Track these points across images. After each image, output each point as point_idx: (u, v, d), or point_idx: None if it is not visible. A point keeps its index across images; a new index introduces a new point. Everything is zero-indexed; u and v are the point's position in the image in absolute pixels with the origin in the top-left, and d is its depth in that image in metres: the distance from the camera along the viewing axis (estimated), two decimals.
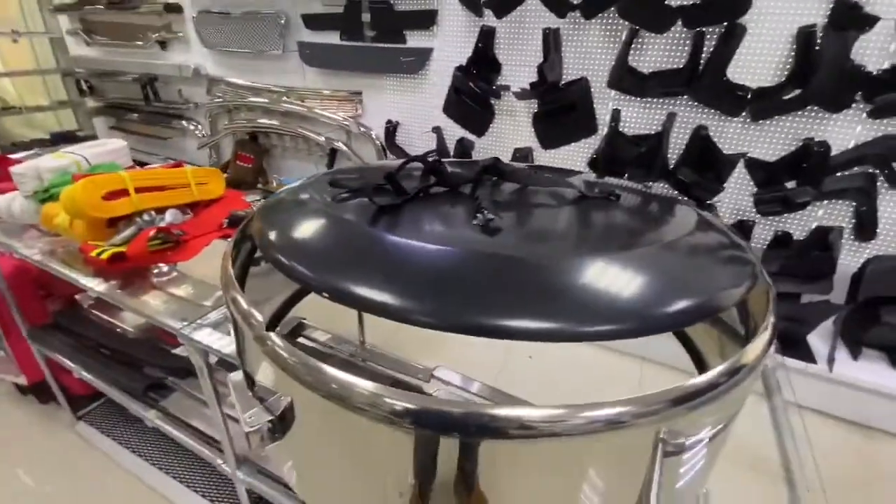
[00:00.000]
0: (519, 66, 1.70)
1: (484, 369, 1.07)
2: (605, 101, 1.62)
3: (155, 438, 1.31)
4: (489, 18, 1.65)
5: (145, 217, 0.92)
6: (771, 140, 1.44)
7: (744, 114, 1.43)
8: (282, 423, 0.38)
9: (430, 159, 0.52)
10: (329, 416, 0.37)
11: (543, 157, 1.79)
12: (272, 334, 0.37)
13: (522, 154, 1.78)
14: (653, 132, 1.57)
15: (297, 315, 1.01)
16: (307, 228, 0.46)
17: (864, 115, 1.29)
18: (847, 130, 1.34)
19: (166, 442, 1.28)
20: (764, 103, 1.38)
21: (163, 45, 2.53)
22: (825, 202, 1.43)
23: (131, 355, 1.17)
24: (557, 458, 0.34)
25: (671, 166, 1.57)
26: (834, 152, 1.35)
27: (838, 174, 1.37)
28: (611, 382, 1.50)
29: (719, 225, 0.49)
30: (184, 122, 2.65)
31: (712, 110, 1.47)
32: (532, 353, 1.62)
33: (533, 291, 0.35)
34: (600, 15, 1.48)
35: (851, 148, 1.35)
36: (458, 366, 1.08)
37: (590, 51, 1.57)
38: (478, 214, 0.43)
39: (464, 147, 1.89)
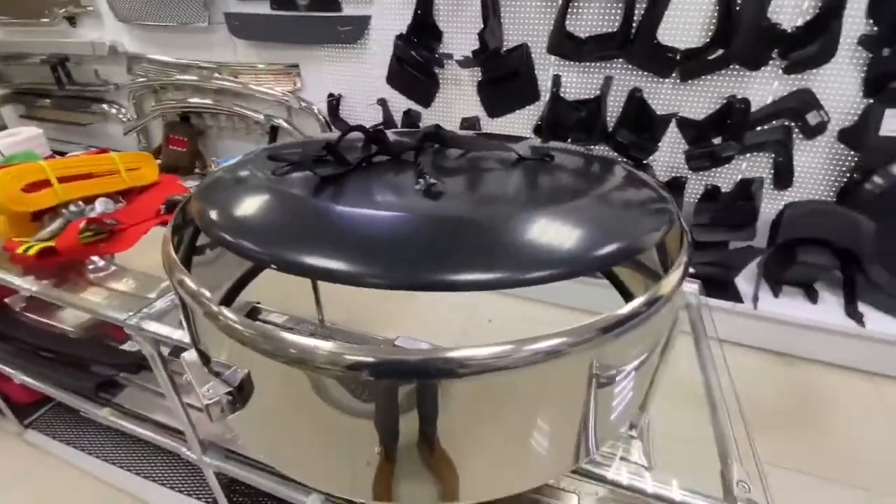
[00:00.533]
0: (460, 34, 1.69)
1: (444, 337, 1.11)
2: (546, 67, 1.64)
3: (112, 437, 1.27)
4: None
5: (72, 208, 0.87)
6: (699, 99, 1.52)
7: (674, 75, 1.50)
8: (241, 394, 0.39)
9: (371, 128, 0.52)
10: (290, 382, 0.38)
11: (490, 126, 1.81)
12: (224, 309, 0.38)
13: (470, 123, 1.79)
14: (592, 97, 1.62)
15: (250, 301, 1.00)
16: (250, 204, 0.46)
17: (780, 71, 1.40)
18: (765, 87, 1.44)
19: (125, 439, 1.25)
20: (691, 64, 1.46)
21: (71, 20, 2.29)
22: (748, 155, 1.55)
23: (76, 355, 1.12)
24: (508, 395, 0.37)
25: (610, 129, 1.64)
26: (754, 108, 1.45)
27: (758, 129, 1.49)
28: None
29: (644, 178, 0.53)
30: (104, 106, 2.44)
31: (645, 73, 1.53)
32: (491, 318, 1.68)
33: (476, 246, 0.37)
34: None
35: (769, 103, 1.46)
36: (418, 336, 1.12)
37: (528, 16, 1.58)
38: (419, 180, 0.44)
39: (410, 118, 1.87)
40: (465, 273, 0.36)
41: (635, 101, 1.56)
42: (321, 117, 2.02)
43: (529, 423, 0.40)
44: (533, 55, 1.63)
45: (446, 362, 0.33)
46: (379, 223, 0.39)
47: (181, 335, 0.62)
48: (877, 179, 1.40)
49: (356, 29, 1.79)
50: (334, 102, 1.97)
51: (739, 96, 1.46)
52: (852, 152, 1.43)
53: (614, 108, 1.61)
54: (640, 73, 1.54)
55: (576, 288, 0.65)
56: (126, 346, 1.14)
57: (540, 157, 0.54)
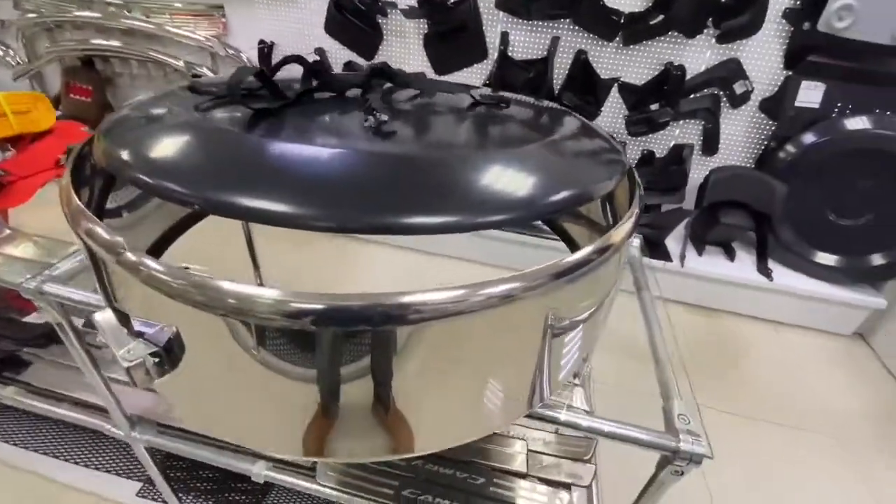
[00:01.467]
0: None
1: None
2: (494, 24, 1.60)
3: (26, 420, 1.14)
4: None
5: None
6: (639, 65, 1.56)
7: (617, 39, 1.51)
8: (169, 355, 0.35)
9: (312, 60, 0.47)
10: (227, 338, 0.35)
11: None
12: (145, 256, 0.33)
13: None
14: (539, 57, 1.61)
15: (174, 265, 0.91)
16: (173, 142, 0.40)
17: (713, 40, 1.46)
18: (699, 55, 1.50)
19: (42, 421, 1.12)
20: (634, 28, 1.48)
21: None
22: (681, 122, 1.62)
23: None
24: (463, 343, 0.36)
25: (556, 91, 1.64)
26: (688, 76, 1.51)
27: (691, 96, 1.56)
28: None
29: (598, 129, 0.53)
30: None
31: (591, 35, 1.53)
32: (441, 280, 1.68)
33: (429, 188, 0.35)
34: None
35: (702, 72, 1.52)
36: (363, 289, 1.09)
37: None
38: (369, 117, 0.41)
39: (352, 70, 1.75)
40: (416, 216, 0.33)
41: (581, 63, 1.56)
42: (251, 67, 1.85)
43: (485, 371, 0.39)
44: (481, 9, 1.57)
45: (400, 308, 0.31)
46: (324, 161, 0.35)
47: (93, 298, 0.54)
48: (789, 147, 1.52)
49: None
50: (266, 51, 1.81)
51: (676, 63, 1.51)
52: (771, 121, 1.55)
53: (561, 70, 1.61)
54: (585, 35, 1.54)
55: (530, 251, 0.65)
56: (30, 318, 1.01)
57: (495, 103, 0.52)
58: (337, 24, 1.70)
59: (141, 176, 0.37)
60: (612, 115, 1.65)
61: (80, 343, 0.60)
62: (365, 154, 0.36)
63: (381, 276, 1.65)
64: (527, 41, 1.61)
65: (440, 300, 0.31)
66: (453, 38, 1.64)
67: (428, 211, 0.33)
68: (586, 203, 0.42)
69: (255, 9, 1.75)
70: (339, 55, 1.76)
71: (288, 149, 0.36)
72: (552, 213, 0.39)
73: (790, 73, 1.46)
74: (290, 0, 1.70)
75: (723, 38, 1.44)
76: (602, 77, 1.58)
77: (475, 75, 1.71)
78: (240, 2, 1.75)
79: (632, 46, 1.52)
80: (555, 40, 1.56)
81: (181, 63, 1.81)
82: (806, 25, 1.37)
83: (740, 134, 1.61)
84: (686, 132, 1.64)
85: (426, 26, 1.64)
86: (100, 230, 0.37)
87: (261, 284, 1.08)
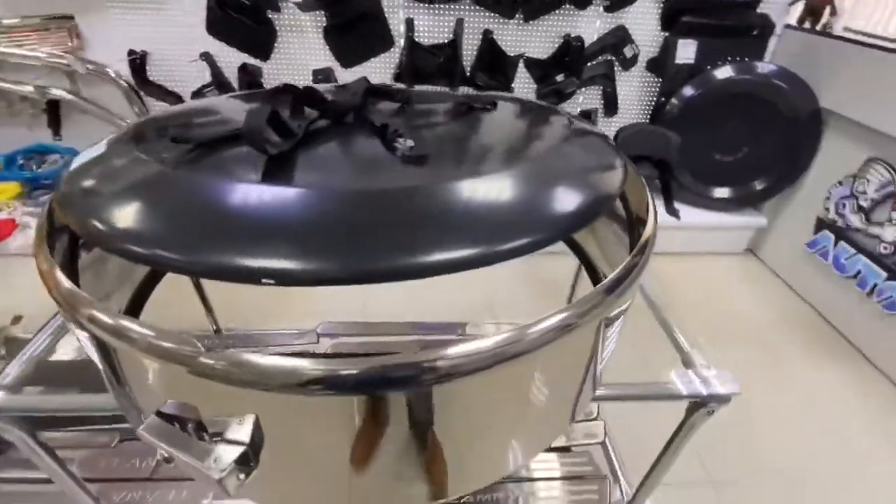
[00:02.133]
0: None
1: (349, 312, 1.04)
2: (396, 10, 1.56)
3: None
4: None
5: None
6: (541, 39, 1.63)
7: (518, 15, 1.56)
8: (253, 447, 0.31)
9: (303, 87, 0.43)
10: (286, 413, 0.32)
11: (345, 77, 1.67)
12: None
13: (324, 75, 1.62)
14: (447, 41, 1.61)
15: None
16: (168, 202, 0.34)
17: (602, 10, 1.57)
18: (591, 25, 1.61)
19: None
20: (531, 4, 1.54)
21: None
22: (584, 89, 1.74)
23: None
24: (514, 380, 0.36)
25: (468, 73, 1.66)
26: (585, 45, 1.62)
27: (589, 64, 1.67)
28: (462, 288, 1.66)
29: (588, 126, 0.55)
30: None
31: (493, 14, 1.56)
32: (436, 298, 1.65)
33: (471, 216, 0.34)
34: None
35: (595, 40, 1.64)
36: (324, 318, 1.03)
37: None
38: (397, 141, 0.38)
39: (250, 75, 1.60)
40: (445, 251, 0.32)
41: (488, 43, 1.59)
42: (123, 82, 1.59)
43: (535, 401, 0.40)
44: None
45: (451, 363, 0.30)
46: (371, 203, 0.33)
47: (72, 402, 0.45)
48: (674, 101, 1.72)
49: None
50: (138, 62, 1.57)
51: (573, 35, 1.60)
52: (658, 78, 1.73)
53: (469, 51, 1.63)
54: (487, 14, 1.57)
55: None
56: None
57: (483, 106, 0.51)
58: (221, 24, 1.52)
59: (134, 248, 0.32)
60: (522, 90, 1.72)
61: (53, 457, 0.50)
62: (433, 187, 0.34)
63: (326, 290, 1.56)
64: (432, 25, 1.59)
65: (495, 345, 0.30)
66: (355, 28, 1.57)
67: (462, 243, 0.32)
68: (610, 206, 0.44)
69: (111, 15, 1.50)
70: (229, 58, 1.59)
71: (315, 195, 0.33)
72: (582, 226, 0.40)
73: (668, 33, 1.63)
74: (156, 1, 1.48)
75: (610, 8, 1.56)
76: (509, 55, 1.63)
77: (384, 65, 1.66)
78: (94, 8, 1.48)
79: (532, 22, 1.59)
80: (459, 22, 1.57)
81: (30, 88, 1.50)
82: None
83: (634, 93, 1.78)
84: (588, 98, 1.77)
85: (324, 18, 1.54)
86: (105, 316, 0.31)
87: (217, 330, 0.98)
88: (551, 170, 0.43)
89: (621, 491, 0.72)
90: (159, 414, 0.32)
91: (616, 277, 0.37)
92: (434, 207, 0.34)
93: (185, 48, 1.57)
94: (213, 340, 0.90)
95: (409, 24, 1.56)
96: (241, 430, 0.30)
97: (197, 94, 1.62)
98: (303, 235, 0.32)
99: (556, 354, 0.36)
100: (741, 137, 1.71)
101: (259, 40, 1.57)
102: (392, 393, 0.33)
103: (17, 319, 1.05)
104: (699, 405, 0.52)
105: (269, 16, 1.52)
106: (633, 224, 0.51)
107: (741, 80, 1.66)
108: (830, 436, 1.25)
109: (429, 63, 1.63)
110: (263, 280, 0.29)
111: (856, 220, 1.49)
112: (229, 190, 0.34)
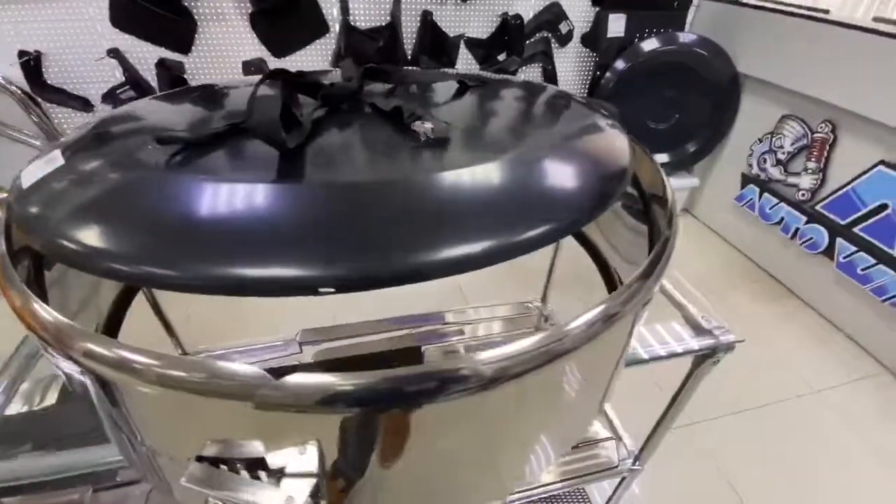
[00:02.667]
0: None
1: (315, 318, 0.97)
2: None
3: None
4: None
5: None
6: (480, 18, 1.62)
7: None
8: (324, 476, 0.28)
9: (295, 72, 0.38)
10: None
11: (279, 66, 1.56)
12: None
13: (256, 67, 1.50)
14: (385, 23, 1.55)
15: None
16: (168, 209, 0.29)
17: None
18: (527, 2, 1.62)
19: None
20: None
21: None
22: (525, 67, 1.76)
23: None
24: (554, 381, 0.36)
25: (410, 57, 1.61)
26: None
27: (528, 42, 1.69)
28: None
29: (590, 103, 0.55)
30: None
31: None
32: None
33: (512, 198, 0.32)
34: None
35: (532, 17, 1.66)
36: (296, 325, 0.96)
37: None
38: (417, 126, 0.35)
39: (170, 71, 1.45)
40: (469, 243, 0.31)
41: (429, 25, 1.56)
42: (15, 89, 1.38)
43: (572, 392, 0.39)
44: None
45: (486, 369, 0.28)
46: (401, 194, 0.30)
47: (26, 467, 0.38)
48: (609, 74, 1.79)
49: None
50: (32, 64, 1.36)
51: (511, 13, 1.61)
52: (593, 53, 1.79)
53: (409, 34, 1.58)
54: None
55: None
56: None
57: (480, 84, 0.49)
58: (129, 15, 1.36)
59: (141, 269, 0.27)
60: (465, 71, 1.70)
61: None
62: (476, 167, 0.32)
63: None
64: (368, 7, 1.52)
65: (531, 346, 0.29)
66: (284, 14, 1.46)
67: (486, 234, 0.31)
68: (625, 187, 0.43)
69: None
70: (142, 54, 1.43)
71: (341, 188, 0.30)
72: (603, 210, 0.39)
73: (598, 8, 1.69)
74: None
75: None
76: (450, 35, 1.60)
77: (319, 52, 1.57)
78: None
79: (469, 2, 1.57)
80: (397, 3, 1.51)
81: None
82: None
83: (572, 69, 1.83)
84: (529, 76, 1.80)
85: (249, 4, 1.42)
86: (120, 349, 0.26)
87: (184, 353, 0.89)
88: (568, 152, 0.42)
89: (626, 448, 0.75)
90: (201, 458, 0.28)
91: (653, 259, 0.37)
92: (473, 195, 0.32)
93: (88, 45, 1.38)
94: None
95: (345, 6, 1.48)
96: (306, 460, 0.27)
97: (109, 96, 1.44)
98: (341, 236, 0.29)
99: (597, 345, 0.36)
100: (672, 105, 1.82)
101: (176, 32, 1.42)
102: (445, 401, 0.30)
103: None
104: (706, 356, 0.55)
105: (186, 4, 1.38)
106: (648, 201, 0.51)
107: (666, 50, 1.75)
108: (778, 366, 1.40)
109: (368, 48, 1.56)
110: (322, 290, 0.25)
111: (776, 173, 1.65)
112: (244, 192, 0.30)
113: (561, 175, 0.39)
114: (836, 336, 1.52)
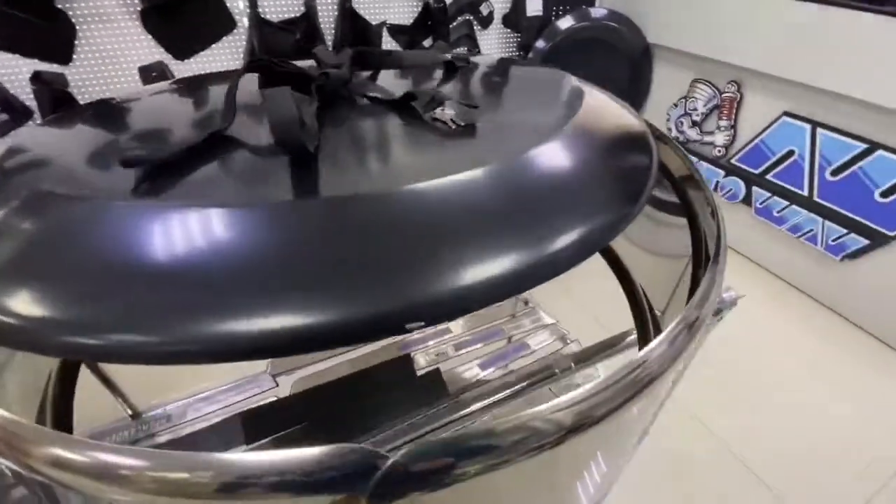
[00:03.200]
0: None
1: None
2: None
3: None
4: None
5: None
6: (402, 4, 1.56)
7: None
8: None
9: (274, 61, 0.31)
10: None
11: (183, 70, 1.39)
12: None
13: (158, 72, 1.32)
14: (300, 14, 1.43)
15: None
16: (148, 249, 0.22)
17: None
18: None
19: None
20: None
21: None
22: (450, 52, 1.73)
23: None
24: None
25: (332, 47, 1.51)
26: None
27: (452, 25, 1.66)
28: None
29: (603, 92, 0.52)
30: None
31: None
32: None
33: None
34: None
35: (452, 2, 1.62)
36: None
37: None
38: (436, 115, 0.30)
39: (50, 85, 1.23)
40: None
41: (348, 13, 1.46)
42: None
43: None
44: None
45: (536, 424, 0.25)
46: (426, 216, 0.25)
47: None
48: (531, 55, 1.81)
49: None
50: None
51: None
52: (515, 34, 1.80)
53: (327, 23, 1.48)
54: None
55: None
56: None
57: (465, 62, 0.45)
58: None
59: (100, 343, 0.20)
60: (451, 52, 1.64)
61: None
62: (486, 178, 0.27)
63: None
64: None
65: (635, 365, 0.26)
66: (182, 9, 1.30)
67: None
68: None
69: None
70: (10, 69, 1.19)
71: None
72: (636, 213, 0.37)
73: None
74: None
75: None
76: (372, 24, 1.53)
77: (229, 51, 1.42)
78: None
79: None
80: None
81: None
82: None
83: (496, 50, 1.83)
84: None
85: (139, 1, 1.24)
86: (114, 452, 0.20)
87: (135, 415, 0.76)
88: (593, 149, 0.39)
89: None
90: None
91: (716, 251, 0.36)
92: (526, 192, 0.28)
93: None
94: (140, 429, 0.69)
95: None
96: None
97: None
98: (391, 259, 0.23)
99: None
100: (593, 79, 1.88)
101: (51, 39, 1.20)
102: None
103: None
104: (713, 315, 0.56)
105: (60, 5, 1.17)
106: (680, 188, 0.49)
107: (581, 27, 1.81)
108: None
109: (284, 41, 1.44)
110: (409, 325, 0.20)
111: (692, 134, 1.79)
112: (258, 217, 0.23)
113: (591, 177, 0.35)
114: (761, 273, 1.69)
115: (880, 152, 1.28)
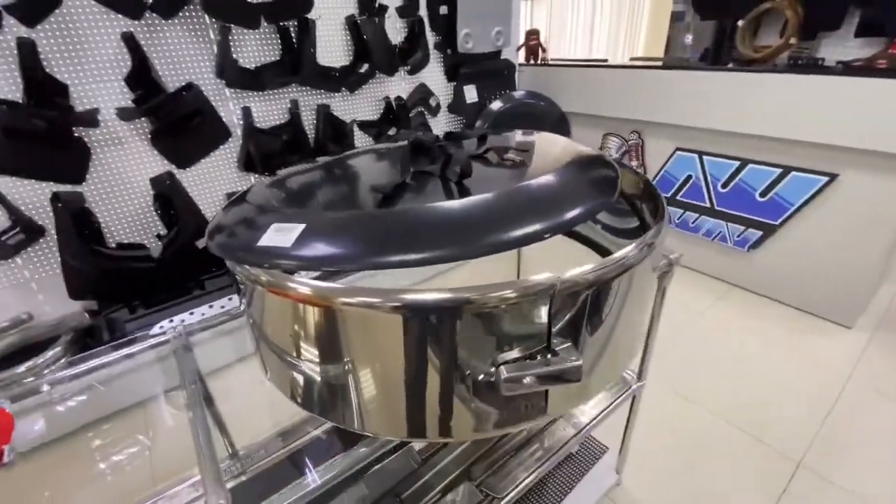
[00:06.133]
0: (96, 83, 1.32)
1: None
2: (225, 102, 1.56)
3: None
4: (19, 29, 1.16)
5: None
6: (368, 103, 1.88)
7: (343, 88, 1.77)
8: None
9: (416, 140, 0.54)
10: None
11: (186, 178, 1.55)
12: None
13: (169, 179, 1.47)
14: (286, 120, 1.69)
15: None
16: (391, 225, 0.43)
17: (405, 73, 1.92)
18: (400, 86, 1.94)
19: None
20: (351, 77, 1.77)
21: None
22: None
23: None
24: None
25: (313, 145, 1.76)
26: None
27: (410, 115, 2.00)
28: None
29: (579, 146, 0.80)
30: None
31: (321, 90, 1.73)
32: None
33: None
34: (182, 14, 1.37)
35: (407, 97, 1.98)
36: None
37: (181, 53, 1.43)
38: (506, 157, 0.54)
39: (69, 204, 1.33)
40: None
41: (326, 116, 1.74)
42: None
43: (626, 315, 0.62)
44: (208, 93, 1.50)
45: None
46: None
47: None
48: (469, 132, 2.19)
49: None
50: None
51: (392, 96, 1.90)
52: (459, 117, 2.18)
53: (310, 125, 1.74)
54: (316, 91, 1.72)
55: None
56: None
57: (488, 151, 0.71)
58: (8, 155, 1.24)
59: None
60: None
61: None
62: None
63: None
64: (268, 110, 1.65)
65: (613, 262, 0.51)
66: (186, 127, 1.50)
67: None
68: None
69: None
70: (24, 192, 1.29)
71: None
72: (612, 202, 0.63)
73: (455, 83, 2.10)
74: None
75: (411, 72, 1.93)
76: (345, 122, 1.82)
77: (225, 156, 1.62)
78: None
79: (356, 92, 1.82)
80: (294, 103, 1.67)
81: None
82: (449, 51, 2.02)
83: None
84: None
85: (149, 123, 1.43)
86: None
87: (233, 454, 0.84)
88: (587, 175, 0.65)
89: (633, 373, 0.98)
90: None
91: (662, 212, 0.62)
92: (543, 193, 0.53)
93: None
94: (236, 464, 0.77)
95: (247, 112, 1.58)
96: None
97: None
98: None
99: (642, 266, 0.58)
100: None
101: (67, 163, 1.33)
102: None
103: None
104: (665, 273, 0.82)
105: (77, 133, 1.32)
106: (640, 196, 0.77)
107: (508, 107, 2.24)
108: (678, 318, 1.82)
109: (272, 144, 1.67)
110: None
111: None
112: (438, 210, 0.45)
113: (583, 182, 0.61)
114: (691, 273, 2.05)
115: (751, 165, 1.73)
